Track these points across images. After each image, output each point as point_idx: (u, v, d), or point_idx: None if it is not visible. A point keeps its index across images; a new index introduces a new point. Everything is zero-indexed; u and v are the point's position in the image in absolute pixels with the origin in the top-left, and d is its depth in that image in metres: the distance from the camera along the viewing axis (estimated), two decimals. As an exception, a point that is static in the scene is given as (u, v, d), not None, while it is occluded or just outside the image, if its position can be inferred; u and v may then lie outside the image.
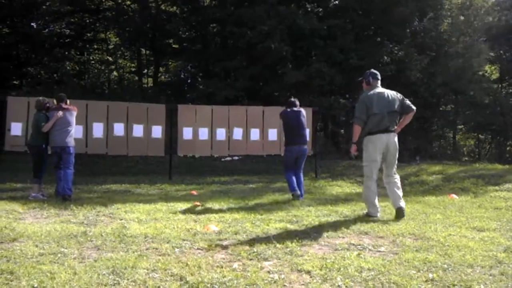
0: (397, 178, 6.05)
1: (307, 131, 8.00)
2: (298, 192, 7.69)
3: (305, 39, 17.41)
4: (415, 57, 16.69)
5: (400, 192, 5.97)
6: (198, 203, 7.27)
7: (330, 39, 17.40)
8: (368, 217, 5.88)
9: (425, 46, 18.15)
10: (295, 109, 7.84)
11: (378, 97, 5.86)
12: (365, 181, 6.04)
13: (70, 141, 7.85)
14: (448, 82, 16.91)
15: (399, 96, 5.98)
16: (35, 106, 8.01)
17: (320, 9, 17.74)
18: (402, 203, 5.93)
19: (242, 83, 17.77)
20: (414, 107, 6.00)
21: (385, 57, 17.32)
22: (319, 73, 16.56)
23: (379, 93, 5.92)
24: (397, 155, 6.03)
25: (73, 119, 7.92)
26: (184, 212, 6.43)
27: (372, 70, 6.20)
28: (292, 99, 8.00)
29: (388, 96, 5.90)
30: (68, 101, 8.08)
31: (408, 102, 6.01)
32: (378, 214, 5.94)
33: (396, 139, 5.96)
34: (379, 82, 6.09)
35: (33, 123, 7.89)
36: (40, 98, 8.02)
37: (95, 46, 25.03)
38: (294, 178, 7.76)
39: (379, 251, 4.23)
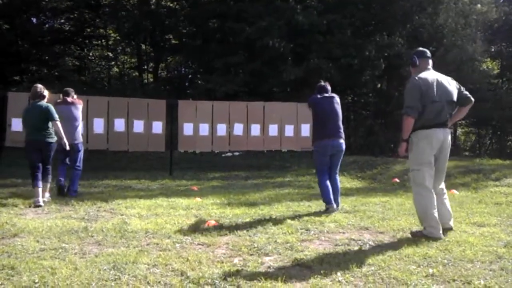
0: (445, 192, 4.90)
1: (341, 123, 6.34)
2: (334, 206, 6.07)
3: (305, 35, 17.36)
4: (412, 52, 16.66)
5: (450, 209, 4.83)
6: (198, 199, 7.28)
7: (330, 35, 17.34)
8: (421, 236, 4.51)
9: (424, 41, 18.12)
10: (326, 95, 6.27)
11: (436, 81, 4.58)
12: (417, 191, 4.61)
13: (79, 137, 7.56)
14: (447, 75, 16.89)
15: (456, 83, 4.77)
16: (32, 96, 6.84)
17: (320, 4, 17.66)
18: (452, 223, 4.79)
19: (242, 79, 17.75)
20: (473, 98, 4.81)
21: (384, 52, 17.27)
22: (318, 69, 16.52)
23: (437, 76, 4.66)
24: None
25: (79, 113, 7.57)
26: (184, 207, 6.43)
27: (419, 48, 4.98)
28: (323, 83, 6.45)
29: (447, 82, 4.67)
30: (75, 96, 7.71)
31: (466, 91, 4.79)
32: (441, 233, 4.49)
33: (450, 137, 4.79)
34: (430, 62, 4.78)
35: (40, 115, 6.62)
36: (38, 85, 6.92)
37: (95, 42, 24.99)
38: (330, 186, 6.14)
39: (380, 247, 4.24)
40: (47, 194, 6.80)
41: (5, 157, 11.51)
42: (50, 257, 3.80)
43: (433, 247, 4.16)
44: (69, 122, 7.32)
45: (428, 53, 4.83)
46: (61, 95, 7.60)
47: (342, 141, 6.23)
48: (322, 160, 6.20)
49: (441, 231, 4.50)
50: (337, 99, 6.33)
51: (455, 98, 4.66)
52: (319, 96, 6.29)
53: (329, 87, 6.37)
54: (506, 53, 23.08)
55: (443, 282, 3.27)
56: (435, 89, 4.52)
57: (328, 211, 6.00)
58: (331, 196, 6.08)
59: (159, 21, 22.21)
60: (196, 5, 20.91)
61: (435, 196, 4.60)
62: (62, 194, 7.32)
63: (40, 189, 6.50)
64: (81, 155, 7.59)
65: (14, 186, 8.69)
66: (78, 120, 7.51)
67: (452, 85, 4.69)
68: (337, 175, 6.33)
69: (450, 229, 4.72)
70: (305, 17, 16.56)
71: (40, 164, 6.64)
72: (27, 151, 6.71)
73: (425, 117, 4.52)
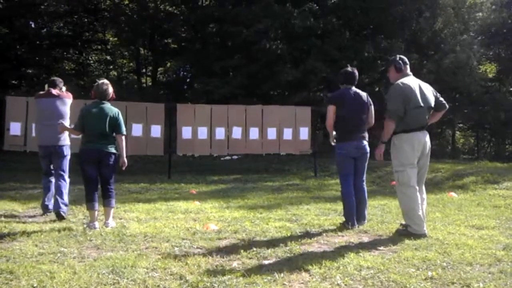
0: (425, 198, 5.01)
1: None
2: (356, 226, 5.17)
3: (301, 38, 17.40)
4: (412, 57, 16.71)
5: (425, 214, 4.95)
6: (197, 202, 7.27)
7: (327, 38, 17.39)
8: (407, 234, 4.68)
9: (423, 45, 18.17)
10: (354, 89, 5.36)
11: (419, 87, 4.78)
12: (402, 190, 4.79)
13: (64, 139, 5.96)
14: (444, 79, 16.94)
15: (432, 89, 4.98)
16: (99, 95, 5.38)
17: (318, 7, 17.70)
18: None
19: (239, 81, 17.78)
20: (447, 105, 5.04)
21: (383, 54, 17.31)
22: (314, 71, 16.55)
23: (419, 83, 4.85)
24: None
25: (66, 109, 5.97)
26: (183, 211, 6.43)
27: (399, 55, 5.06)
28: (349, 68, 5.43)
29: (426, 88, 4.88)
30: (64, 88, 6.14)
31: (441, 98, 4.99)
32: (425, 230, 4.72)
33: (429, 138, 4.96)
34: (408, 67, 4.96)
35: (108, 120, 5.25)
36: (105, 81, 5.53)
37: (94, 46, 25.01)
38: (354, 199, 5.26)
39: (378, 250, 4.24)
40: (110, 222, 5.30)
41: (3, 161, 11.49)
42: (49, 261, 3.79)
43: (432, 250, 4.16)
44: (52, 118, 5.79)
45: (407, 59, 5.03)
46: (46, 86, 6.10)
47: (365, 142, 5.44)
48: (346, 163, 5.33)
49: (425, 228, 4.73)
50: (364, 96, 5.42)
51: (433, 104, 4.89)
52: (348, 88, 5.35)
53: (357, 74, 5.42)
54: (505, 56, 23.13)
55: (442, 285, 3.27)
56: (418, 95, 4.74)
57: (344, 226, 5.18)
58: (354, 215, 5.22)
59: (158, 25, 22.26)
60: (194, 9, 20.97)
61: (419, 195, 4.78)
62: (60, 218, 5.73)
63: (97, 212, 5.30)
64: (66, 162, 6.02)
65: (13, 190, 8.69)
66: (65, 117, 5.87)
67: (430, 92, 4.92)
68: (364, 183, 5.48)
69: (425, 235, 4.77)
70: (301, 21, 16.61)
71: (98, 180, 5.33)
72: (81, 162, 5.27)
73: (407, 121, 4.73)
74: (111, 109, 5.33)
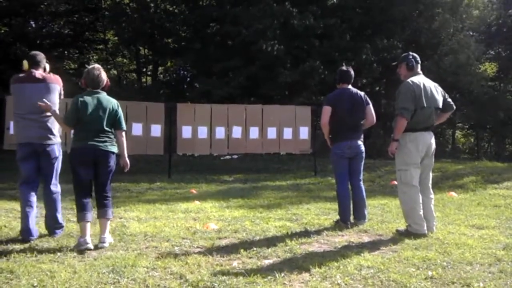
0: (433, 198, 5.01)
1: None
2: (348, 226, 5.17)
3: (301, 38, 17.39)
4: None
5: (434, 214, 4.99)
6: (197, 202, 7.27)
7: (327, 38, 17.38)
8: (407, 234, 4.71)
9: (422, 45, 18.19)
10: (351, 89, 5.44)
11: (427, 87, 4.77)
12: (404, 189, 4.78)
13: (56, 135, 4.67)
14: (444, 79, 16.96)
15: (441, 90, 4.97)
16: (91, 83, 4.33)
17: (317, 8, 17.69)
18: (435, 226, 4.96)
19: (239, 82, 17.77)
20: (454, 106, 5.08)
21: (382, 55, 17.30)
22: (313, 72, 16.54)
23: (427, 83, 4.83)
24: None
25: (54, 98, 4.59)
26: (183, 210, 6.43)
27: (412, 53, 4.98)
28: (345, 67, 5.54)
29: (435, 89, 4.87)
30: (47, 66, 4.70)
31: (449, 99, 5.01)
32: (425, 229, 4.72)
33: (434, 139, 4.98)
34: (419, 67, 4.97)
35: (106, 113, 4.29)
36: (96, 66, 4.42)
37: (94, 46, 25.01)
38: (350, 199, 5.34)
39: (379, 249, 4.24)
40: (107, 236, 4.37)
41: (3, 161, 11.49)
42: (49, 261, 3.79)
43: (432, 249, 4.16)
44: (37, 110, 4.48)
45: (419, 58, 5.00)
46: (25, 63, 4.59)
47: (360, 142, 5.43)
48: (341, 164, 5.38)
49: (425, 227, 4.72)
50: (360, 94, 5.44)
51: (441, 105, 4.88)
52: (347, 88, 5.43)
53: (352, 72, 5.49)
54: (504, 55, 23.13)
55: (442, 285, 3.27)
56: (425, 96, 4.72)
57: (338, 225, 5.24)
58: (349, 213, 5.30)
59: (158, 25, 22.24)
60: (194, 9, 20.96)
61: (420, 195, 4.77)
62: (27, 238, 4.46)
63: (89, 225, 4.29)
64: (58, 164, 4.73)
65: (12, 189, 8.68)
66: (53, 107, 4.51)
67: (439, 92, 4.90)
68: (361, 182, 5.49)
69: (432, 231, 4.84)
70: (300, 21, 16.59)
71: (93, 185, 4.44)
72: (73, 164, 4.30)
73: (414, 121, 4.71)
74: (109, 100, 4.37)
